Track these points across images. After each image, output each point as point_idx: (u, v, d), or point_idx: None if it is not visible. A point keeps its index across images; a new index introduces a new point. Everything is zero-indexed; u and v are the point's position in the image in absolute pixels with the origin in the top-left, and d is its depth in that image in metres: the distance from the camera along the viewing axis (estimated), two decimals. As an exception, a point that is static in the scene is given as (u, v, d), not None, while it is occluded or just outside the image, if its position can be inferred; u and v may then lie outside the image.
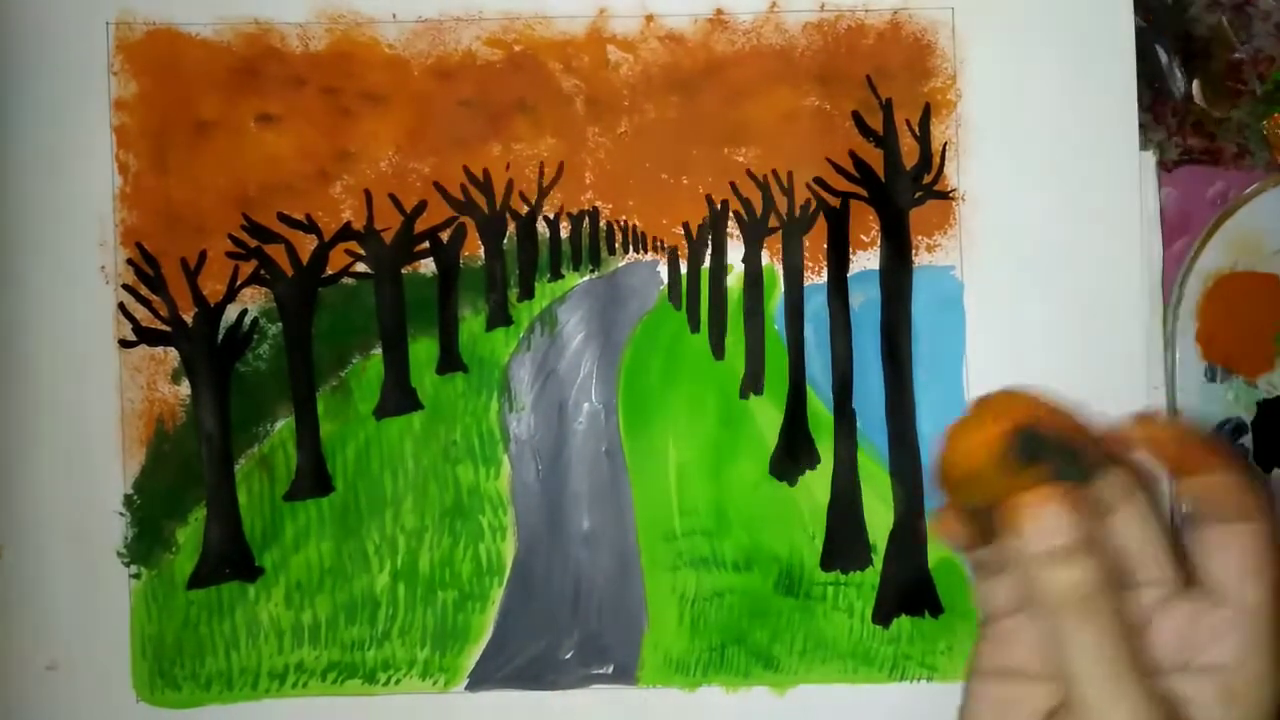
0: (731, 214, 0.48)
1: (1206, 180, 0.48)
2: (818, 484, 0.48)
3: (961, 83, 0.47)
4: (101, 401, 0.47)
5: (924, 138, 0.47)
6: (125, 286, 0.47)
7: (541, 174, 0.48)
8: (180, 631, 0.47)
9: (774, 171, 0.48)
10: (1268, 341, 0.48)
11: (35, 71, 0.47)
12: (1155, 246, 0.47)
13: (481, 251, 0.48)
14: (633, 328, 0.48)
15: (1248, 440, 0.48)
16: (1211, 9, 0.47)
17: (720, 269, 0.48)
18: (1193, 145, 0.48)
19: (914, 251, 0.48)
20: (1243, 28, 0.46)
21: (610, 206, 0.48)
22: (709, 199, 0.48)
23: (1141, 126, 0.47)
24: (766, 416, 0.48)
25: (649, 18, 0.48)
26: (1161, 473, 0.29)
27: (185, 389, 0.47)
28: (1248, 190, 0.48)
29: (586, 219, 0.48)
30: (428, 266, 0.48)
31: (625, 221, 0.48)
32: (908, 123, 0.47)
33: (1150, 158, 0.47)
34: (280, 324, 0.47)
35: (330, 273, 0.48)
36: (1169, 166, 0.48)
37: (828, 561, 0.47)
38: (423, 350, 0.48)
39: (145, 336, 0.47)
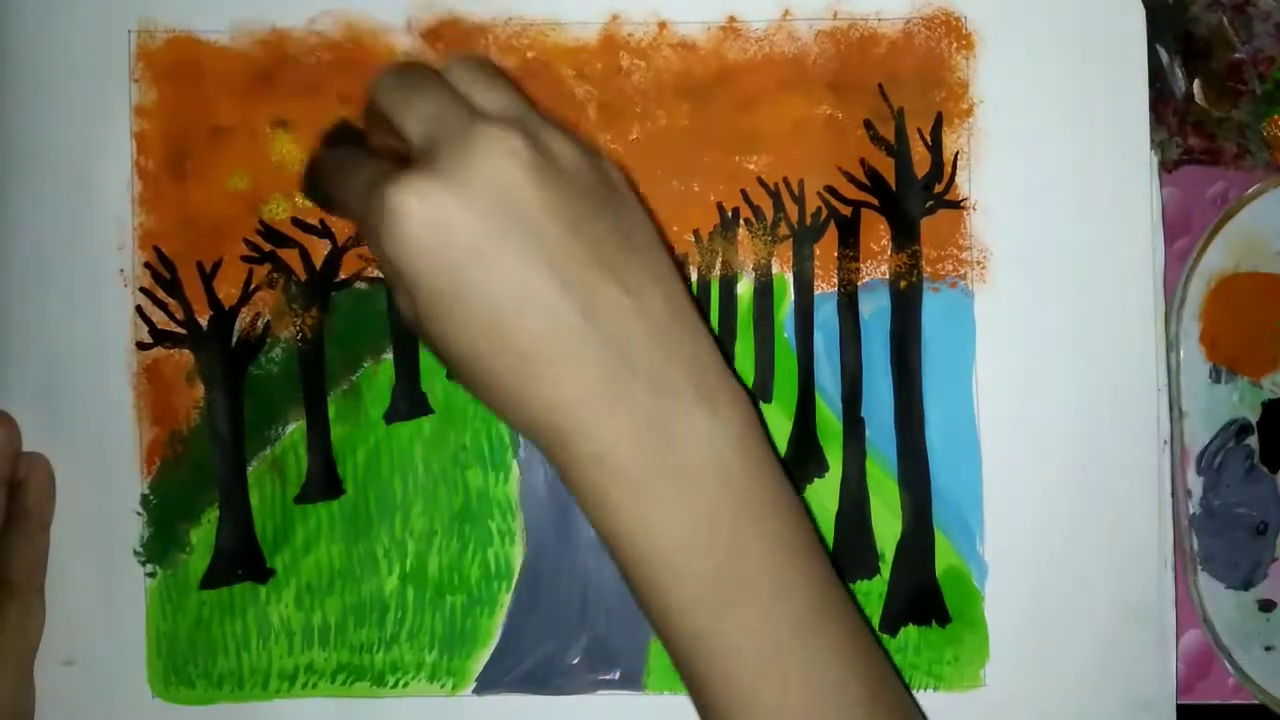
0: (742, 221, 0.48)
1: (1207, 180, 0.48)
2: (826, 492, 0.48)
3: (974, 91, 0.47)
4: (119, 403, 0.47)
5: (935, 147, 0.47)
6: (143, 289, 0.47)
7: (553, 180, 0.48)
8: (193, 630, 0.47)
9: (785, 179, 0.48)
10: (1272, 342, 0.48)
11: (59, 79, 0.47)
12: (1158, 249, 0.47)
13: (493, 257, 0.48)
14: (642, 334, 0.48)
15: (1253, 440, 0.48)
16: (1211, 9, 0.46)
17: (730, 276, 0.48)
18: (1193, 145, 0.48)
19: (924, 261, 0.47)
20: (1243, 28, 0.46)
21: (621, 213, 0.48)
22: (720, 206, 0.48)
23: (1142, 127, 0.47)
24: (776, 424, 0.48)
25: (662, 25, 0.48)
26: None
27: (200, 391, 0.48)
28: (1249, 191, 0.48)
29: (597, 225, 0.48)
30: (439, 272, 0.48)
31: (636, 228, 0.48)
32: (919, 131, 0.47)
33: (1152, 158, 0.47)
34: (293, 328, 0.48)
35: (343, 277, 0.48)
36: (1169, 167, 0.48)
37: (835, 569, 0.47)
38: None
39: (161, 339, 0.48)
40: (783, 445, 0.48)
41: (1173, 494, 0.47)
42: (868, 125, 0.47)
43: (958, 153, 0.47)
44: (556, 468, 0.36)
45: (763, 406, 0.48)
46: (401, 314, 0.38)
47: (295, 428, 0.48)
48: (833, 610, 0.37)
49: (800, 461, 0.48)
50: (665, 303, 0.36)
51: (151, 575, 0.47)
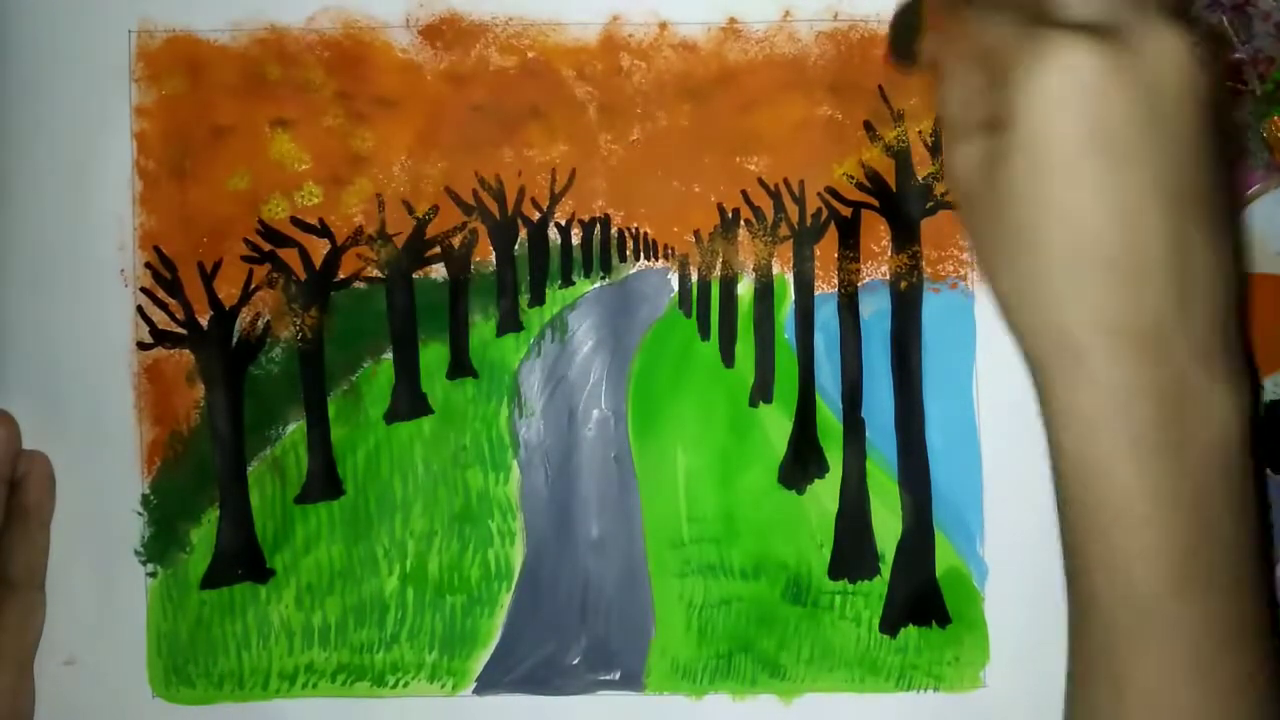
0: (743, 222, 0.48)
1: (1207, 179, 0.48)
2: (826, 493, 0.48)
3: (975, 92, 0.47)
4: (120, 403, 0.47)
5: (936, 148, 0.47)
6: (143, 289, 0.47)
7: (553, 180, 0.48)
8: (194, 630, 0.47)
9: (785, 180, 0.48)
10: (1273, 342, 0.48)
11: (59, 79, 0.47)
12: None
13: (493, 257, 0.48)
14: (643, 335, 0.48)
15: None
16: (1211, 9, 0.46)
17: (731, 277, 0.48)
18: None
19: (925, 261, 0.47)
20: (1243, 28, 0.46)
21: (622, 214, 0.48)
22: (720, 207, 0.48)
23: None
24: (776, 425, 0.48)
25: (662, 25, 0.48)
26: None
27: (200, 391, 0.48)
28: (1249, 191, 0.47)
29: (598, 226, 0.48)
30: (439, 271, 0.48)
31: (636, 229, 0.48)
32: (920, 133, 0.47)
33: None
34: (293, 328, 0.48)
35: (342, 277, 0.48)
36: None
37: (836, 570, 0.47)
38: (433, 355, 0.48)
39: (162, 339, 0.47)
40: (783, 446, 0.48)
41: (1173, 495, 0.47)
42: (868, 126, 0.47)
43: (958, 153, 0.47)
44: (1041, 385, 0.33)
45: (763, 407, 0.48)
46: (947, 166, 0.35)
47: (295, 428, 0.48)
48: (1256, 617, 0.34)
49: (800, 462, 0.48)
50: (1233, 260, 0.33)
51: (152, 575, 0.47)
